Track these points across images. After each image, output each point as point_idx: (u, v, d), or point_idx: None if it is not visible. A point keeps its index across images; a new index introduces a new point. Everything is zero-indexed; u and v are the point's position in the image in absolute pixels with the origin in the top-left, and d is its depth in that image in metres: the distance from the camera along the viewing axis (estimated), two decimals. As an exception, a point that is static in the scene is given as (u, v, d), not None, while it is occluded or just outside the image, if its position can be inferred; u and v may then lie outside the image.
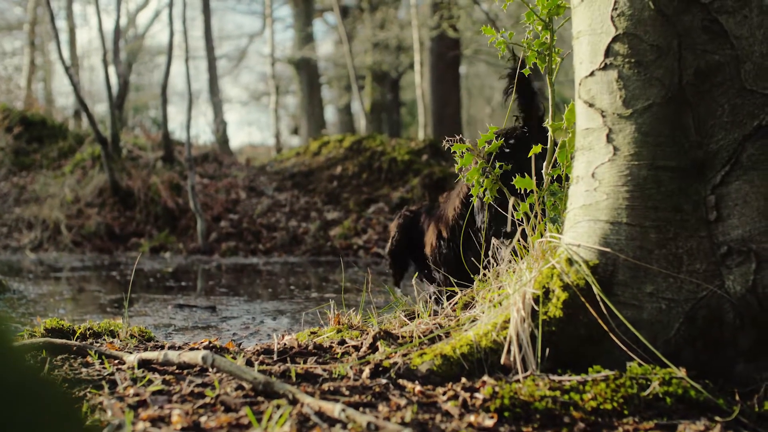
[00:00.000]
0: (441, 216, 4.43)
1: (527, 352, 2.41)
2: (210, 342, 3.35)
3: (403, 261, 5.00)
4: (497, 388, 2.22)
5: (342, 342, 3.13)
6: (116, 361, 2.88)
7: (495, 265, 3.20)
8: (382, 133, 22.91)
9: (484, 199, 3.45)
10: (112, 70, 17.98)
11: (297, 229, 13.54)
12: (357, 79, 22.37)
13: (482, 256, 3.55)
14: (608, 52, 2.48)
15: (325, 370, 2.58)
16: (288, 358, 2.89)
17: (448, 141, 3.44)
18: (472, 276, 3.69)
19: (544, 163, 3.23)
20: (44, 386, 1.24)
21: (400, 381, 2.42)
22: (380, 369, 2.52)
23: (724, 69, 2.36)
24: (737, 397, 2.25)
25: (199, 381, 2.48)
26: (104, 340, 3.55)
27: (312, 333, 3.54)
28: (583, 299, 2.39)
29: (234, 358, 2.82)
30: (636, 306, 2.39)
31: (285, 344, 3.08)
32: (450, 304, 3.40)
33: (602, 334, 2.37)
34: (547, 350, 2.41)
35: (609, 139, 2.48)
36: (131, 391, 2.38)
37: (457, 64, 23.19)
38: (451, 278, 4.10)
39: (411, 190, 14.37)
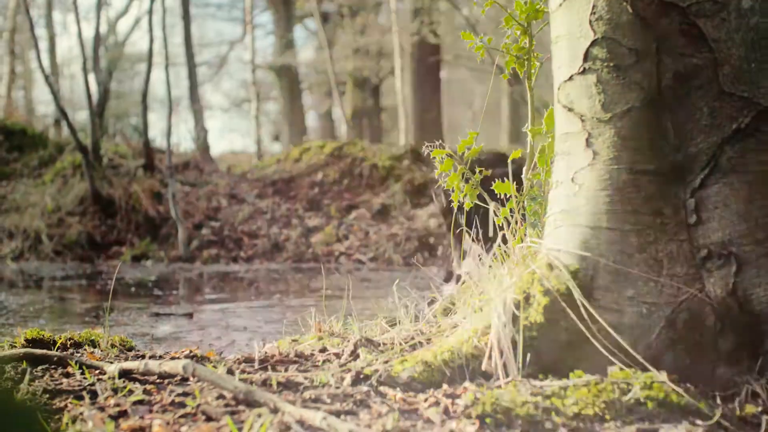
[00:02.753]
0: None
1: (508, 357, 2.40)
2: (191, 351, 3.33)
3: None
4: (478, 395, 2.21)
5: (323, 350, 3.12)
6: (97, 372, 2.85)
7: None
8: (363, 138, 22.90)
9: (465, 205, 3.43)
10: (92, 78, 17.89)
11: (278, 236, 13.50)
12: (338, 85, 22.39)
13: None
14: (587, 56, 2.48)
15: (306, 378, 2.56)
16: (269, 367, 2.87)
17: (427, 146, 3.42)
18: None
19: (524, 168, 3.23)
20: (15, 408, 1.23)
21: (382, 388, 2.41)
22: (361, 376, 2.51)
23: (702, 72, 2.36)
24: (718, 401, 2.25)
25: (179, 390, 2.46)
26: (85, 350, 3.53)
27: (293, 341, 3.52)
28: (563, 304, 2.39)
29: (215, 367, 2.80)
30: (617, 310, 2.39)
31: (266, 352, 3.06)
32: (431, 310, 3.39)
33: (583, 338, 2.37)
34: (529, 356, 2.41)
35: (588, 144, 2.48)
36: (112, 401, 2.36)
37: (438, 70, 23.25)
38: None
39: (392, 196, 14.38)
